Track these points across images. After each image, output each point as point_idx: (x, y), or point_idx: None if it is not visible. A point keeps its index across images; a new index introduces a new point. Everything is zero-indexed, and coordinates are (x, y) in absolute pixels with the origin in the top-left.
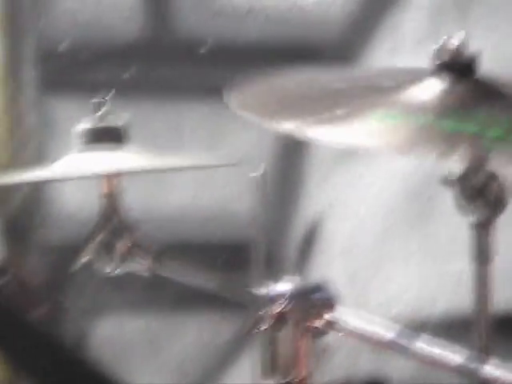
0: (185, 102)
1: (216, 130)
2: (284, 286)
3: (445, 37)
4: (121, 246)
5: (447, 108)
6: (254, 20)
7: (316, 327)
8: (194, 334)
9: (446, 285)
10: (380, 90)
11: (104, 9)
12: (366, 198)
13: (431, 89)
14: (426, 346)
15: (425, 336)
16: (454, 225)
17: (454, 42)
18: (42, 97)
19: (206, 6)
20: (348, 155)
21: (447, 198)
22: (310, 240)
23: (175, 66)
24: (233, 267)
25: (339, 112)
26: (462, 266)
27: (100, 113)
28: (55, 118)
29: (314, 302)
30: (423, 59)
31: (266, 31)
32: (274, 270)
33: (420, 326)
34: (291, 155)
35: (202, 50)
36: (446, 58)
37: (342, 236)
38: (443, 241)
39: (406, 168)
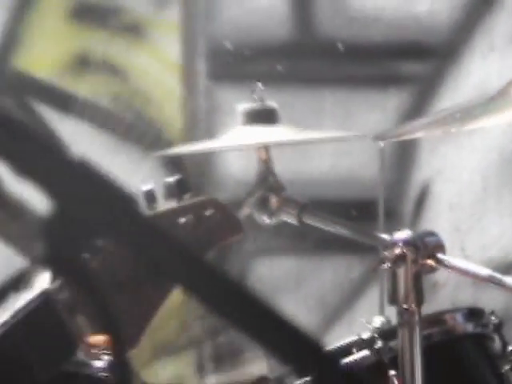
0: (324, 89)
1: (349, 112)
2: (403, 233)
3: None
4: (274, 201)
5: None
6: (379, 25)
7: (428, 265)
8: (331, 272)
9: None
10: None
11: (260, 15)
12: (467, 165)
13: None
14: None
15: None
16: None
17: None
18: (211, 85)
19: (341, 14)
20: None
21: None
22: (422, 198)
23: (316, 61)
24: (363, 219)
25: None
26: None
27: (257, 97)
28: (221, 102)
29: (427, 244)
30: None
31: (388, 34)
32: (395, 221)
33: (510, 267)
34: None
35: (338, 49)
36: None
37: (448, 195)
38: None
39: (500, 141)
